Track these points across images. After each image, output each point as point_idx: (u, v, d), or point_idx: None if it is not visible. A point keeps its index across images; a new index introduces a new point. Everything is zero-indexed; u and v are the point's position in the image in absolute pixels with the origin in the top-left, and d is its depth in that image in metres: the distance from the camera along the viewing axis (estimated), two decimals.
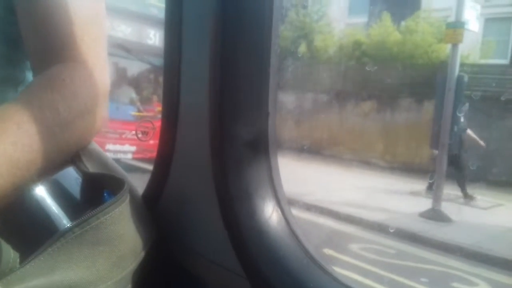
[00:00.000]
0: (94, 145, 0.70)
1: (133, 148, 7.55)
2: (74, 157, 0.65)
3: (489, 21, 11.82)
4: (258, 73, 0.67)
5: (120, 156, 7.42)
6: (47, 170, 0.59)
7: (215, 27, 0.66)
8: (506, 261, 4.87)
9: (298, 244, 0.66)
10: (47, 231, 0.54)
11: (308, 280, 0.61)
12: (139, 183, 0.83)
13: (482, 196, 7.84)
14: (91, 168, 0.66)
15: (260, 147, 0.68)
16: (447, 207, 6.64)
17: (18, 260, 0.51)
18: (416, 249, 5.31)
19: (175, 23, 0.72)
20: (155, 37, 7.85)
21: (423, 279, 4.31)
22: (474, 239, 5.43)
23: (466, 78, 6.76)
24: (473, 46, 10.69)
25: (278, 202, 0.68)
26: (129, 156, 7.61)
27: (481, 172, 7.75)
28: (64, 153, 0.63)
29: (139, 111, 8.03)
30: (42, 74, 0.64)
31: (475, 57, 11.18)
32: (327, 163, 10.40)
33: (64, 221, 0.57)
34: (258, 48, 0.66)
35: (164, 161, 0.77)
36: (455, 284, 4.28)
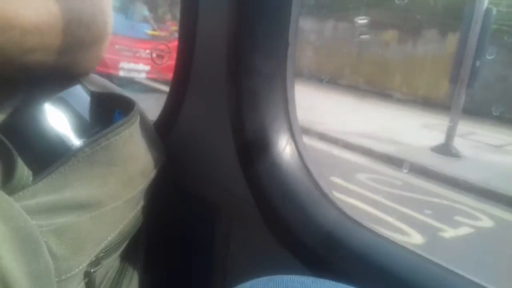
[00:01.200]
0: (96, 76, 0.69)
1: (148, 68, 7.47)
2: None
3: None
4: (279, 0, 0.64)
5: (134, 75, 7.38)
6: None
7: None
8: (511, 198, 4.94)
9: (309, 177, 0.67)
10: (58, 150, 0.55)
11: (317, 213, 0.62)
12: (157, 105, 0.83)
13: (496, 134, 7.77)
14: None
15: (277, 79, 0.66)
16: (460, 143, 6.62)
17: (31, 178, 0.51)
18: (424, 182, 5.36)
19: None
20: None
21: (427, 211, 4.39)
22: (484, 175, 5.46)
23: (494, 11, 6.41)
24: None
25: (293, 136, 0.68)
26: (143, 75, 7.55)
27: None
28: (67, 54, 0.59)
29: (154, 30, 7.86)
30: None
31: None
32: (344, 93, 10.26)
33: (74, 140, 0.56)
34: None
35: (179, 89, 0.76)
36: (457, 218, 4.37)
